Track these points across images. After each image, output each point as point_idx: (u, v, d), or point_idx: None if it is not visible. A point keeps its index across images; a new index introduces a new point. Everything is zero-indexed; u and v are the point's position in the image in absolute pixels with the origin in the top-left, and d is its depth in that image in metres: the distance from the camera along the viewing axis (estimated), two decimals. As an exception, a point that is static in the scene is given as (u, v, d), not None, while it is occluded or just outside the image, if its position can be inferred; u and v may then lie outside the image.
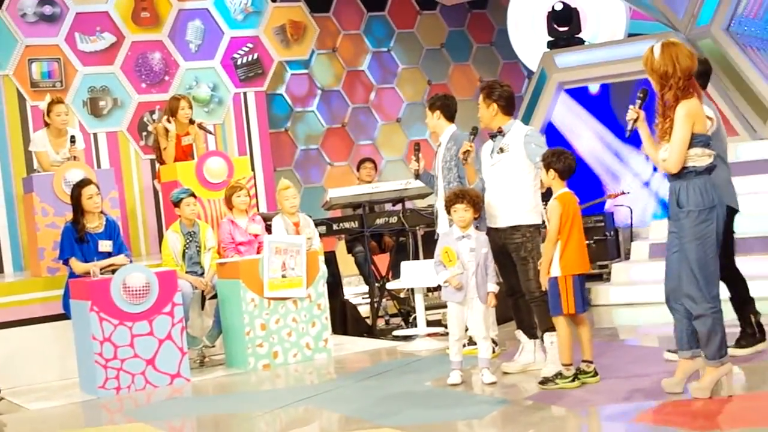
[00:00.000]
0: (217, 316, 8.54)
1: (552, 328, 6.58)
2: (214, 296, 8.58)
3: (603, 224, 11.19)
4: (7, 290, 8.69)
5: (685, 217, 5.62)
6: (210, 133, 10.34)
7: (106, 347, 7.64)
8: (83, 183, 8.37)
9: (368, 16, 13.60)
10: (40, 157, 9.38)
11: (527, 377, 6.82)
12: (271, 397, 7.15)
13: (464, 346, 6.98)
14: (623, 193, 11.57)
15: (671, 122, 5.60)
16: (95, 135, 11.36)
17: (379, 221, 9.78)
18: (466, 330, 6.89)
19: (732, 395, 5.68)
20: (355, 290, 11.36)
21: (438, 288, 7.39)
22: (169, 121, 9.70)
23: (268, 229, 8.91)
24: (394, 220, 9.77)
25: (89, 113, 11.34)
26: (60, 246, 8.31)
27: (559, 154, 6.49)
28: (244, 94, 12.21)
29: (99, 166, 11.08)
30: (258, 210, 10.68)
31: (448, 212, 6.85)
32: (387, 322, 9.80)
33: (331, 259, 9.76)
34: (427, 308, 8.89)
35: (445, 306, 7.39)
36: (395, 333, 9.14)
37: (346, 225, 9.75)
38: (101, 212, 8.41)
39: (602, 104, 12.69)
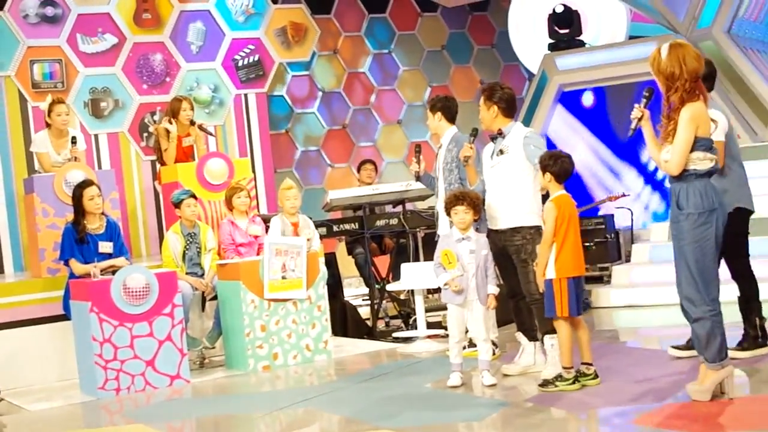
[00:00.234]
0: (217, 318, 8.54)
1: (552, 331, 6.57)
2: (215, 297, 8.57)
3: (603, 226, 11.18)
4: (7, 291, 8.68)
5: (685, 219, 5.62)
6: (211, 134, 10.34)
7: (106, 348, 7.64)
8: (85, 184, 8.37)
9: (369, 18, 13.61)
10: (41, 158, 9.38)
11: (527, 379, 6.82)
12: (270, 399, 7.15)
13: (464, 348, 6.98)
14: (623, 195, 11.56)
15: (675, 124, 5.59)
16: (96, 136, 11.37)
17: (380, 223, 9.77)
18: (467, 332, 6.88)
19: (732, 398, 5.67)
20: (355, 292, 11.36)
21: (438, 290, 7.39)
22: (170, 122, 9.70)
23: (268, 231, 8.90)
24: (394, 221, 9.76)
25: (90, 114, 11.34)
26: (60, 247, 8.31)
27: (556, 157, 6.51)
28: (245, 95, 12.21)
29: (100, 167, 11.08)
30: (258, 211, 10.68)
31: (448, 214, 6.85)
32: (387, 324, 9.79)
33: (331, 261, 9.75)
34: (427, 310, 8.89)
35: (445, 308, 7.39)
36: (395, 335, 9.14)
37: (347, 226, 9.74)
38: (102, 213, 8.41)
39: (596, 117, 12.68)
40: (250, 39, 12.25)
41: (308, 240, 8.55)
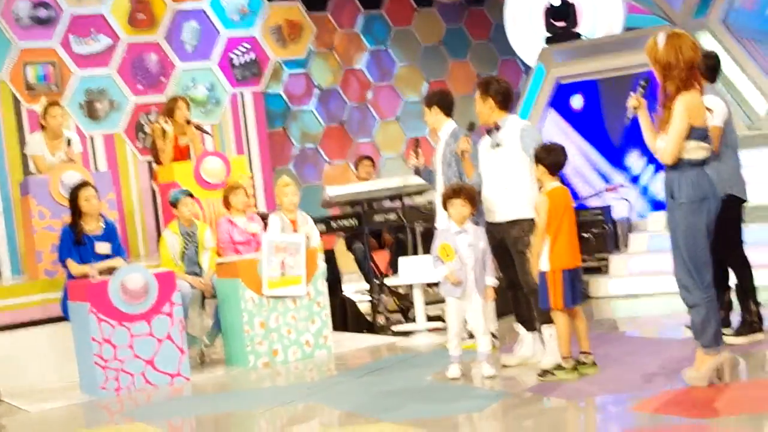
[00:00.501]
0: (216, 316, 8.54)
1: (550, 321, 6.58)
2: (214, 296, 8.57)
3: (601, 217, 11.17)
4: (5, 293, 8.69)
5: (678, 208, 5.65)
6: (207, 133, 10.34)
7: (106, 348, 7.64)
8: (81, 185, 8.35)
9: (365, 14, 13.60)
10: (36, 160, 9.38)
11: (526, 370, 6.83)
12: (271, 395, 7.15)
13: (463, 340, 6.97)
14: (621, 185, 11.56)
15: (671, 113, 5.61)
16: (92, 137, 11.35)
17: (378, 218, 9.77)
18: (466, 324, 6.88)
19: (729, 383, 5.68)
20: (354, 287, 11.35)
21: (437, 283, 7.39)
22: (166, 122, 9.70)
23: (267, 228, 8.90)
24: (392, 216, 9.76)
25: (86, 116, 11.32)
26: (58, 248, 8.30)
27: (549, 150, 6.52)
28: (242, 94, 12.20)
29: (96, 169, 11.06)
30: (257, 209, 10.68)
31: (445, 207, 6.85)
32: (387, 318, 9.79)
33: (330, 257, 9.75)
34: (426, 303, 8.89)
35: (444, 301, 7.39)
36: (395, 329, 9.14)
37: (345, 223, 9.74)
38: (100, 214, 8.40)
39: (586, 120, 12.64)
40: (245, 37, 12.24)
41: (307, 237, 8.54)
